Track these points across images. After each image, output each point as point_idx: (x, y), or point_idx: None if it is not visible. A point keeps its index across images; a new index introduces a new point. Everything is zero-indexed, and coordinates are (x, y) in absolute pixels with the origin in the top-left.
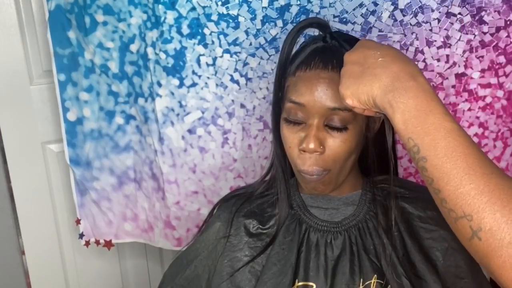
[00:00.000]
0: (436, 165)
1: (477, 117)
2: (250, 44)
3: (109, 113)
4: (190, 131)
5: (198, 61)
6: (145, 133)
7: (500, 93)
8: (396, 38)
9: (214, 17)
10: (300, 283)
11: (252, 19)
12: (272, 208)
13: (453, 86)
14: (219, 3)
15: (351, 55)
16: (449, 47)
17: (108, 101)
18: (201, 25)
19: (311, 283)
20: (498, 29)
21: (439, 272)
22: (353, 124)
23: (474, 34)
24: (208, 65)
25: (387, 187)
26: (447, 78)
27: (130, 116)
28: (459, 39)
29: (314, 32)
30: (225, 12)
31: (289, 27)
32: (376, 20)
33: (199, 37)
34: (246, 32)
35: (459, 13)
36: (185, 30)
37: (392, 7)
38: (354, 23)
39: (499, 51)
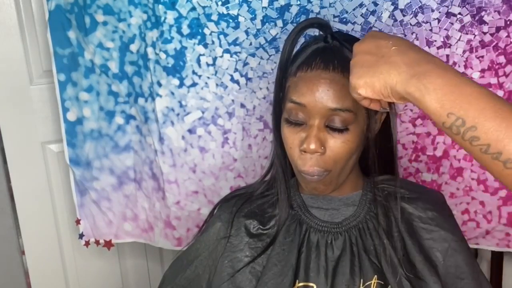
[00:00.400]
0: (490, 128)
1: None
2: (250, 44)
3: (109, 113)
4: (190, 131)
5: (198, 61)
6: (145, 133)
7: (500, 93)
8: None
9: (214, 17)
10: (301, 284)
11: (252, 19)
12: (272, 209)
13: None
14: (219, 3)
15: (361, 45)
16: (449, 47)
17: (108, 101)
18: (201, 25)
19: (311, 284)
20: (498, 29)
21: (439, 272)
22: (354, 125)
23: (474, 34)
24: (208, 65)
25: (388, 187)
26: None
27: (130, 116)
28: (459, 39)
29: (315, 32)
30: (225, 12)
31: (289, 27)
32: (376, 20)
33: (199, 37)
34: (246, 32)
35: (459, 13)
36: (185, 30)
37: (392, 7)
38: (354, 23)
39: (499, 51)
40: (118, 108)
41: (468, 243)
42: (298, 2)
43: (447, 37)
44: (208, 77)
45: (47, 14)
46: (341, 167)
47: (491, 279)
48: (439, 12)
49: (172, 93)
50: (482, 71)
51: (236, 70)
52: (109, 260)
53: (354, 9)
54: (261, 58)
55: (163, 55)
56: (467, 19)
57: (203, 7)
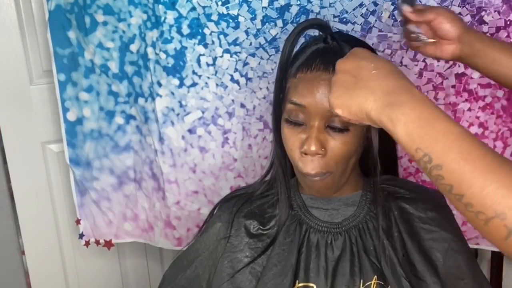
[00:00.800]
0: (454, 170)
1: (477, 117)
2: (250, 44)
3: (109, 113)
4: (190, 131)
5: (198, 61)
6: (145, 133)
7: (500, 93)
8: (396, 38)
9: (214, 17)
10: (301, 284)
11: (252, 19)
12: (272, 209)
13: (453, 86)
14: (219, 3)
15: (343, 64)
16: None
17: (108, 101)
18: (201, 25)
19: (311, 284)
20: (498, 29)
21: (439, 273)
22: (354, 125)
23: None
24: (208, 65)
25: (388, 187)
26: (447, 78)
27: (130, 116)
28: None
29: (315, 32)
30: (225, 12)
31: (289, 27)
32: (376, 20)
33: (199, 37)
34: (246, 32)
35: (459, 13)
36: (185, 30)
37: (392, 7)
38: (354, 23)
39: None
40: (118, 108)
41: (468, 243)
42: (298, 2)
43: None
44: (208, 77)
45: (47, 14)
46: (342, 168)
47: (491, 279)
48: None
49: (172, 93)
50: None
51: (236, 70)
52: (109, 260)
53: (354, 9)
54: (261, 58)
55: (163, 55)
56: (467, 19)
57: (203, 7)
